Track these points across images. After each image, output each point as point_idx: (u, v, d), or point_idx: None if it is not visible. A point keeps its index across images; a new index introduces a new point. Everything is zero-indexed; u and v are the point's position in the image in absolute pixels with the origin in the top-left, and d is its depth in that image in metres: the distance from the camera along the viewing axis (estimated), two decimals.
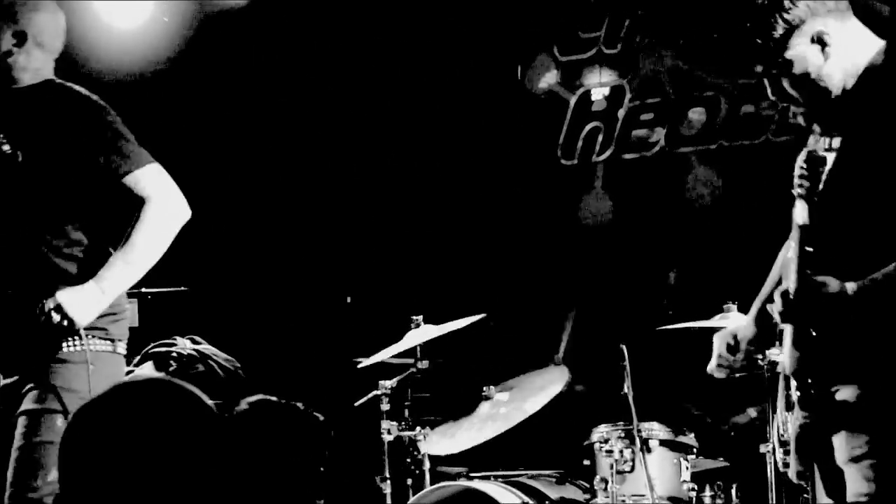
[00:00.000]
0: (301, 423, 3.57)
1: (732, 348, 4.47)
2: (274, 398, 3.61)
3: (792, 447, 4.17)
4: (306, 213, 8.94)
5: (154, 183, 4.72)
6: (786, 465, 4.54)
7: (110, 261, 4.63)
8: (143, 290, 7.40)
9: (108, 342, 4.72)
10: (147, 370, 6.53)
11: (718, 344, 4.50)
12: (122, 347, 4.82)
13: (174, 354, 6.64)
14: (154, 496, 2.55)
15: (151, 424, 2.62)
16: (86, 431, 2.65)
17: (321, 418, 3.63)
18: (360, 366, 7.00)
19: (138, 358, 6.68)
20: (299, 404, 3.63)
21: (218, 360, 6.72)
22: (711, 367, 4.52)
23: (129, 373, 6.45)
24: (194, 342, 6.79)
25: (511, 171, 8.67)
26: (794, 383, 4.06)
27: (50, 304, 4.46)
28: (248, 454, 3.36)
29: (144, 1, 8.42)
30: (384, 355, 6.92)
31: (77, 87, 4.79)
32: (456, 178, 8.71)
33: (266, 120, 9.03)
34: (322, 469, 3.58)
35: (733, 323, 5.40)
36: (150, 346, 6.72)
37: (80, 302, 4.53)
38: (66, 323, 4.48)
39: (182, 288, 7.63)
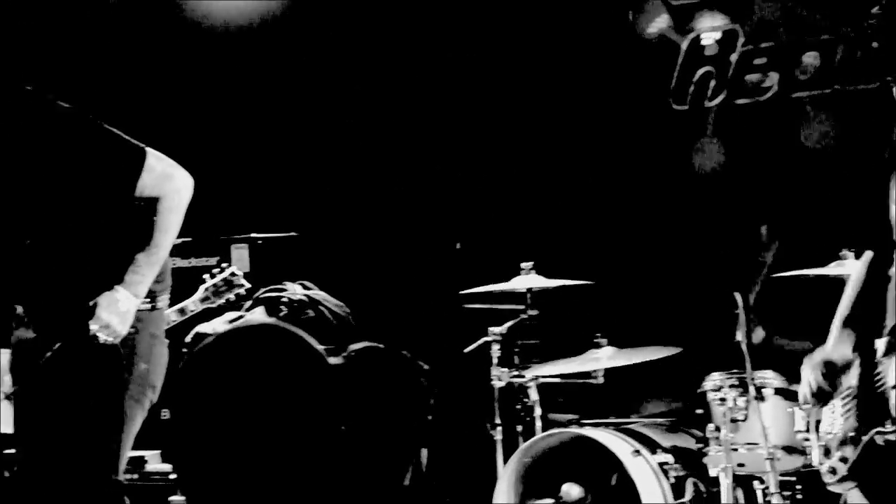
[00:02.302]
0: (406, 371, 3.56)
1: (829, 375, 4.32)
2: (380, 345, 3.60)
3: (842, 453, 4.07)
4: (417, 159, 8.92)
5: (158, 177, 4.59)
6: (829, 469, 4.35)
7: (137, 263, 4.54)
8: (254, 235, 7.45)
9: (147, 300, 4.67)
10: (258, 315, 6.55)
11: (813, 375, 4.35)
12: (162, 301, 4.79)
13: (285, 300, 6.66)
14: (261, 438, 2.55)
15: (262, 368, 2.61)
16: (198, 374, 2.65)
17: (426, 367, 3.61)
18: (463, 293, 7.01)
19: (249, 303, 6.71)
20: (405, 352, 3.62)
21: (328, 306, 6.73)
22: (805, 397, 4.38)
23: (239, 317, 6.50)
24: (305, 287, 6.81)
25: (622, 117, 8.58)
26: None
27: (94, 327, 4.43)
28: (354, 400, 3.36)
29: None
30: (489, 288, 6.93)
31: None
32: (567, 124, 8.64)
33: (377, 65, 9.01)
34: (427, 417, 3.56)
35: (849, 273, 5.26)
36: (260, 292, 6.75)
37: (121, 316, 4.48)
38: (111, 339, 4.48)
39: (293, 233, 7.67)
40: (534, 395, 6.80)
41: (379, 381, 3.49)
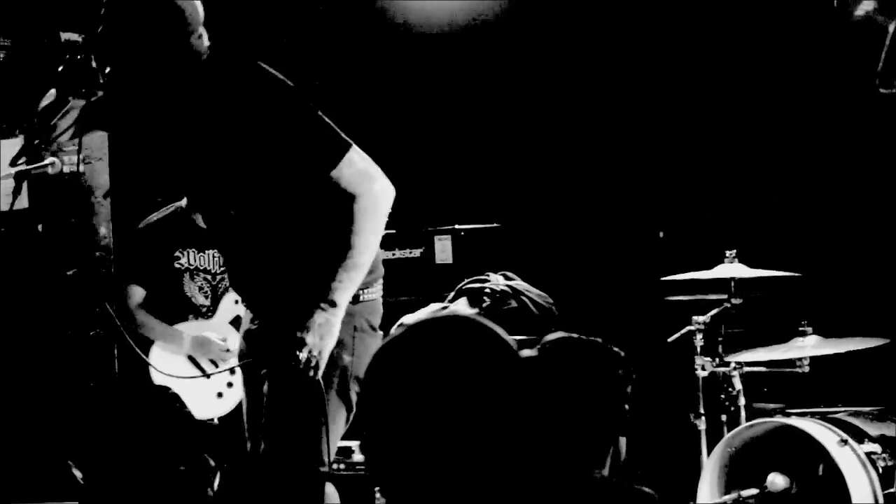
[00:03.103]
0: (602, 360, 3.57)
1: None
2: (574, 335, 3.62)
3: None
4: (619, 148, 8.91)
5: (358, 173, 4.57)
6: None
7: (338, 276, 4.51)
8: (457, 227, 7.53)
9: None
10: (461, 306, 6.64)
11: None
12: (371, 293, 4.81)
13: (487, 290, 6.73)
14: (451, 433, 2.58)
15: (450, 362, 2.64)
16: (387, 369, 2.70)
17: (622, 354, 3.62)
18: (664, 279, 7.00)
19: (452, 294, 6.81)
20: (599, 339, 3.63)
21: (531, 296, 6.78)
22: None
23: (443, 308, 6.58)
24: (507, 278, 6.87)
25: (828, 102, 8.44)
26: None
27: (304, 356, 4.45)
28: (548, 391, 3.39)
29: None
30: (692, 275, 6.90)
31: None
32: (772, 111, 8.54)
33: (578, 60, 9.03)
34: (626, 406, 3.58)
35: None
36: (463, 283, 6.84)
37: (327, 339, 4.50)
38: (322, 363, 4.54)
39: (495, 224, 7.73)
40: (738, 384, 6.75)
41: (574, 371, 3.50)
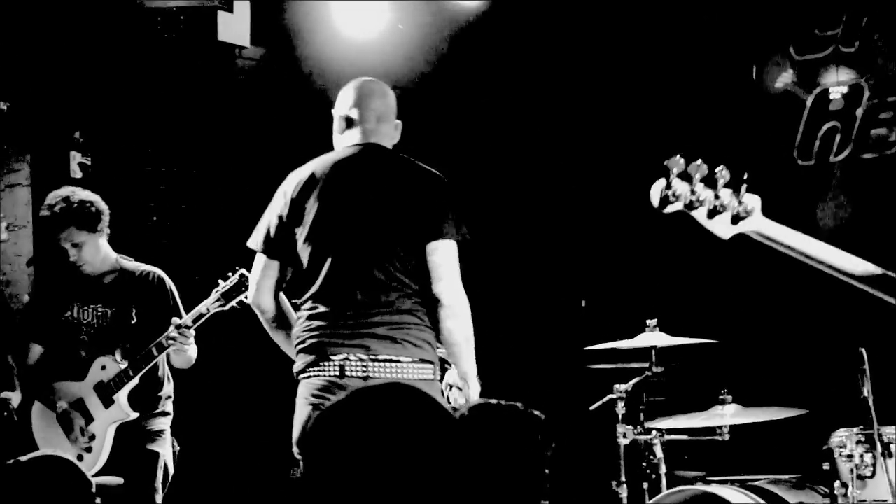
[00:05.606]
0: (522, 424, 3.60)
1: None
2: (493, 400, 3.65)
3: None
4: (541, 218, 8.99)
5: (448, 261, 5.26)
6: None
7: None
8: None
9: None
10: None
11: None
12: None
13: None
14: (389, 498, 2.60)
15: (391, 427, 2.67)
16: (327, 434, 2.72)
17: (542, 417, 3.65)
18: (586, 349, 7.07)
19: None
20: (519, 404, 3.66)
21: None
22: None
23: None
24: None
25: (745, 170, 8.56)
26: None
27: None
28: (471, 457, 3.41)
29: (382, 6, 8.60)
30: (614, 345, 6.98)
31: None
32: None
33: (497, 125, 9.11)
34: (546, 470, 3.60)
35: None
36: None
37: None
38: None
39: None
40: (659, 452, 6.80)
41: (493, 436, 3.52)
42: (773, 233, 3.56)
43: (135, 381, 6.47)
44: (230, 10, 8.47)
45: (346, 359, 5.09)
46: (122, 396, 6.47)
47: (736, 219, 3.45)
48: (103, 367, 6.54)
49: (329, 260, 5.21)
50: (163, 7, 8.24)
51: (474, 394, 5.21)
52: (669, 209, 3.31)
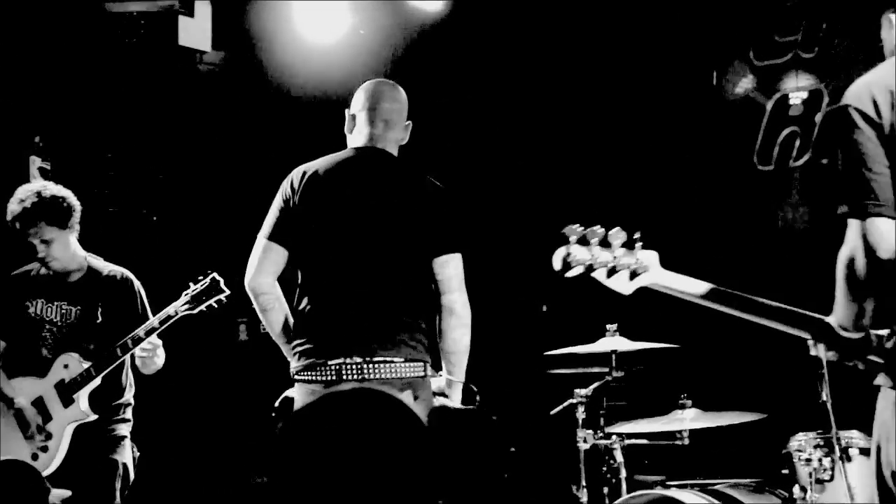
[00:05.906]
0: (478, 427, 3.61)
1: None
2: (451, 404, 3.66)
3: None
4: (501, 222, 8.99)
5: (458, 273, 5.54)
6: None
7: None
8: None
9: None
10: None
11: None
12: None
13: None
14: (357, 496, 2.61)
15: (357, 432, 2.67)
16: (294, 439, 2.73)
17: (496, 420, 3.67)
18: (547, 353, 7.08)
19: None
20: (473, 407, 3.68)
21: None
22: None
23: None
24: None
25: (707, 176, 8.60)
26: None
27: None
28: (431, 459, 3.42)
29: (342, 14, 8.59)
30: (574, 350, 6.99)
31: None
32: (654, 185, 8.68)
33: (457, 128, 9.12)
34: (504, 473, 3.62)
35: None
36: None
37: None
38: None
39: None
40: (619, 456, 6.81)
41: (450, 439, 3.54)
42: (671, 283, 3.78)
43: (97, 382, 6.44)
44: (191, 14, 8.46)
45: (343, 363, 5.16)
46: (82, 396, 6.44)
47: (633, 275, 3.65)
48: (66, 366, 6.50)
49: (328, 262, 5.33)
50: (123, 11, 8.22)
51: (457, 401, 5.25)
52: (571, 273, 3.51)
